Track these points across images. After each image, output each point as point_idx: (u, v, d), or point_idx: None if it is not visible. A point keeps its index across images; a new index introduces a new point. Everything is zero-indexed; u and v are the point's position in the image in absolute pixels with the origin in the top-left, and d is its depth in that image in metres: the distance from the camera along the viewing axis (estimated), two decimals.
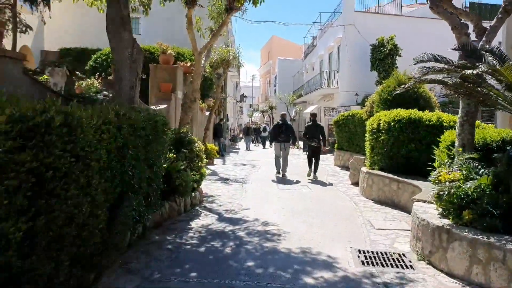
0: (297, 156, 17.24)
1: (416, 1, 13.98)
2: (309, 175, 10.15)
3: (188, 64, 11.12)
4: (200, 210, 6.27)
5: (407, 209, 6.37)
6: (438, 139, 5.78)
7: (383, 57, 18.44)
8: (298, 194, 7.80)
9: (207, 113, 14.51)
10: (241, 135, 33.15)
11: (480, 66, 2.94)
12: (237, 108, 38.32)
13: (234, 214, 6.03)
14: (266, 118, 41.79)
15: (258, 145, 26.14)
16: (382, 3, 21.45)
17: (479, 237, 3.58)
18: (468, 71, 2.94)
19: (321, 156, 16.48)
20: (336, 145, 13.57)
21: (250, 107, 58.69)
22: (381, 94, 9.83)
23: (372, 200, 7.32)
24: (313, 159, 10.15)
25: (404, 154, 7.08)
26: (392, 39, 18.50)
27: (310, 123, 10.52)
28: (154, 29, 16.78)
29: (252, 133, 23.48)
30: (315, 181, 9.84)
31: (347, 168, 12.27)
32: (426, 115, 7.07)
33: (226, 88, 19.32)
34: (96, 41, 13.87)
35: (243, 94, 42.94)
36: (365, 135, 8.73)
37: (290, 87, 35.83)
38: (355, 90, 19.78)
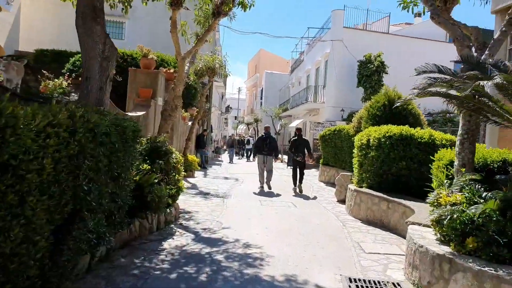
0: (281, 170, 16.84)
1: (404, 22, 13.97)
2: (295, 190, 10.13)
3: (172, 70, 10.64)
4: (175, 228, 5.71)
5: (397, 231, 5.97)
6: (432, 157, 5.44)
7: (370, 73, 18.41)
8: (283, 211, 7.33)
9: (190, 123, 13.98)
10: (224, 147, 32.62)
11: (496, 77, 2.60)
12: (222, 119, 37.84)
13: (212, 234, 5.50)
14: (251, 131, 41.46)
15: (241, 158, 25.64)
16: (370, 20, 21.60)
17: (486, 268, 3.18)
18: (481, 82, 2.60)
19: (306, 171, 16.14)
20: (321, 161, 13.22)
21: (235, 119, 58.42)
22: (369, 109, 9.55)
23: (360, 219, 6.91)
24: (298, 173, 10.19)
25: (395, 172, 6.73)
26: (379, 56, 18.52)
27: (296, 137, 10.57)
28: (138, 34, 16.30)
29: (236, 145, 22.67)
30: (299, 195, 9.41)
31: (332, 184, 11.91)
32: (418, 132, 6.77)
33: (211, 98, 18.87)
34: (75, 44, 13.24)
35: (229, 105, 42.55)
36: (353, 151, 8.40)
37: (276, 101, 35.68)
38: (341, 106, 19.64)
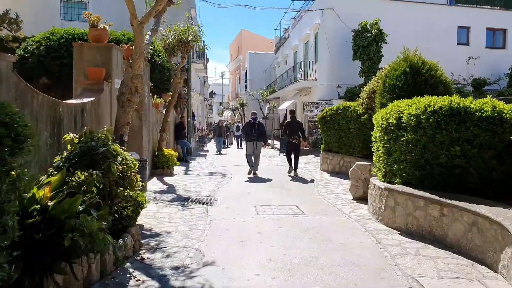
0: (274, 159, 14.84)
1: None
2: (289, 172, 10.18)
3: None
4: (132, 269, 3.69)
5: (461, 249, 4.07)
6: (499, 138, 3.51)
7: (367, 43, 16.40)
8: (288, 223, 5.35)
9: (162, 110, 11.81)
10: (210, 135, 30.43)
11: None
12: (206, 106, 35.50)
13: (188, 278, 3.50)
14: (237, 117, 39.26)
15: (229, 147, 23.51)
16: None
17: None
18: None
19: (302, 158, 14.18)
20: (322, 146, 11.27)
21: (220, 105, 56.03)
22: (385, 80, 7.56)
23: (397, 230, 5.00)
24: (293, 156, 10.13)
25: (444, 162, 4.79)
26: (376, 23, 16.49)
27: (289, 120, 10.43)
28: (105, 14, 13.81)
29: (224, 133, 19.81)
30: (303, 191, 7.49)
31: (338, 174, 10.01)
32: (475, 103, 4.81)
33: (190, 81, 16.63)
34: (30, 28, 10.97)
35: (212, 91, 40.15)
36: (372, 134, 6.47)
37: (262, 83, 33.46)
38: (336, 82, 17.64)
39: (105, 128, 3.79)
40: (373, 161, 6.59)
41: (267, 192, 7.70)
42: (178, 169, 11.16)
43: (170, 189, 8.08)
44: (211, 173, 10.61)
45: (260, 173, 10.30)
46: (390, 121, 5.58)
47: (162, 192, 7.68)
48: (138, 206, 4.35)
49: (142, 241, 4.52)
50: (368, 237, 4.74)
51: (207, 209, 6.20)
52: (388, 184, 5.40)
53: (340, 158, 10.41)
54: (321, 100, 17.47)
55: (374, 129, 6.56)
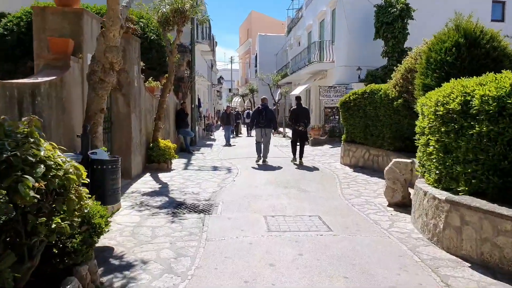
0: (287, 149, 13.35)
1: None
2: (293, 161, 9.74)
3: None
4: None
5: None
6: None
7: (391, 20, 14.59)
8: (311, 248, 3.90)
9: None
10: (218, 123, 29.05)
11: None
12: (214, 92, 33.99)
13: None
14: (247, 103, 37.72)
15: (240, 136, 22.02)
16: None
17: None
18: None
19: (318, 149, 12.69)
20: (343, 136, 9.73)
21: (229, 91, 54.45)
22: (429, 55, 5.97)
23: (466, 260, 3.53)
24: (299, 144, 9.69)
25: None
26: None
27: (295, 106, 9.97)
28: None
29: (233, 121, 17.41)
30: (315, 175, 6.02)
31: (362, 170, 8.52)
32: None
33: (194, 64, 15.13)
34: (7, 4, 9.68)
35: (221, 76, 38.58)
36: (416, 123, 4.99)
37: (273, 67, 31.73)
38: (355, 64, 15.92)
39: (31, 118, 2.38)
40: (418, 159, 5.09)
41: (279, 194, 6.26)
42: (177, 163, 9.79)
43: (163, 189, 6.71)
44: (215, 168, 9.20)
45: (271, 167, 8.87)
46: (451, 106, 4.05)
47: (152, 194, 6.31)
48: (94, 232, 2.96)
49: (104, 279, 3.16)
50: (427, 274, 3.29)
51: (203, 220, 4.80)
52: (449, 195, 3.90)
53: (365, 150, 8.88)
54: (338, 84, 15.82)
55: (420, 118, 5.06)
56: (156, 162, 8.67)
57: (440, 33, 6.03)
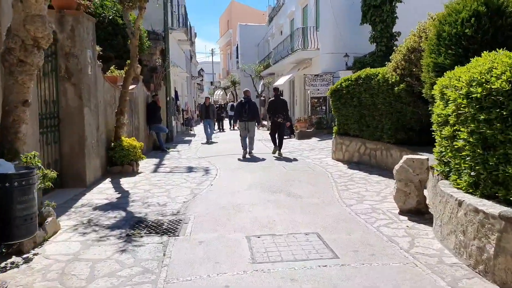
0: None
1: None
2: (274, 153, 9.63)
3: None
4: None
5: None
6: None
7: (379, 3, 13.57)
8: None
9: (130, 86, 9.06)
10: (198, 117, 27.64)
11: None
12: (194, 85, 32.49)
13: None
14: (229, 96, 36.39)
15: (224, 131, 20.68)
16: None
17: None
18: None
19: (305, 143, 11.66)
20: (335, 129, 8.65)
21: (211, 84, 52.89)
22: (441, 29, 4.92)
23: None
24: (278, 135, 9.63)
25: None
26: None
27: (273, 98, 9.95)
28: None
29: (214, 114, 14.72)
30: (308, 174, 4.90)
31: (358, 166, 7.47)
32: None
33: (168, 52, 13.75)
34: None
35: (201, 68, 37.07)
36: (436, 112, 3.95)
37: (255, 58, 30.44)
38: (342, 51, 14.85)
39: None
40: (436, 155, 4.03)
41: (266, 202, 5.11)
42: (146, 164, 8.53)
43: (122, 200, 5.46)
44: (190, 169, 7.98)
45: (255, 166, 7.75)
46: (496, 86, 2.96)
47: (106, 207, 5.06)
48: None
49: None
50: None
51: (166, 246, 3.61)
52: (505, 209, 2.82)
53: (360, 144, 7.83)
54: (325, 73, 14.73)
55: (438, 103, 4.00)
56: (119, 164, 7.40)
57: (452, 3, 4.97)
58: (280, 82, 20.23)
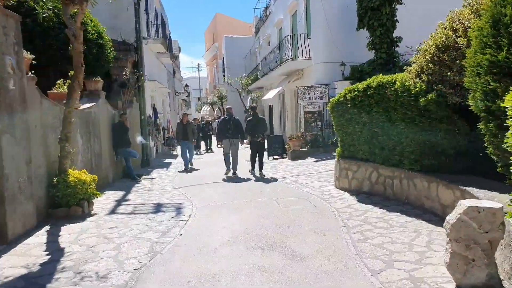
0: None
1: None
2: (252, 173, 9.29)
3: None
4: None
5: None
6: None
7: (377, 4, 12.26)
8: None
9: (82, 106, 7.40)
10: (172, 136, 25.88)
11: None
12: (178, 101, 30.87)
13: None
14: (217, 112, 34.86)
15: (209, 151, 18.91)
16: None
17: None
18: None
19: (300, 164, 10.15)
20: (338, 150, 7.08)
21: (198, 100, 51.37)
22: (499, 13, 3.48)
23: None
24: (258, 155, 9.26)
25: None
26: None
27: (251, 117, 9.62)
28: None
29: (193, 134, 11.70)
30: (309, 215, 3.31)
31: (370, 198, 5.86)
32: None
33: (142, 65, 12.16)
34: None
35: (186, 84, 35.50)
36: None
37: (242, 71, 29.08)
38: (337, 60, 13.48)
39: None
40: None
41: (254, 273, 3.47)
42: (107, 199, 6.84)
43: (46, 269, 3.76)
44: (159, 207, 6.29)
45: (241, 199, 6.13)
46: None
47: (15, 285, 3.37)
48: None
49: None
50: None
51: None
52: None
53: (372, 170, 6.26)
54: (319, 84, 13.29)
55: None
56: (64, 205, 5.68)
57: None
58: (270, 96, 18.80)
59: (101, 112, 8.45)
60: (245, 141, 10.12)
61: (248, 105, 23.61)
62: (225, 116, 9.63)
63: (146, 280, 3.41)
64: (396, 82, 5.38)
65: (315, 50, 14.36)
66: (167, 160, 14.23)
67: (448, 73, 4.52)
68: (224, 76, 33.27)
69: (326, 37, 13.93)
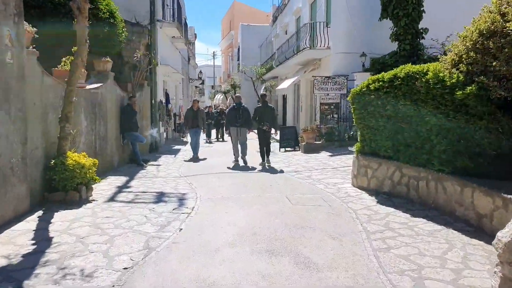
0: (273, 158, 10.03)
1: None
2: (262, 165, 8.92)
3: None
4: None
5: None
6: None
7: None
8: None
9: (88, 86, 7.00)
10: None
11: None
12: (192, 88, 30.45)
13: None
14: (229, 100, 34.38)
15: (220, 140, 18.39)
16: None
17: None
18: None
19: (315, 160, 9.64)
20: (357, 146, 6.53)
21: (212, 88, 50.97)
22: None
23: None
24: (265, 144, 9.11)
25: None
26: None
27: (260, 104, 9.57)
28: None
29: (203, 122, 10.99)
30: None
31: (391, 200, 5.32)
32: None
33: (154, 48, 11.74)
34: None
35: (200, 71, 35.09)
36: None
37: (257, 60, 28.43)
38: (357, 51, 12.80)
39: None
40: None
41: (261, 279, 3.02)
42: (109, 185, 6.49)
43: (28, 261, 3.37)
44: (161, 197, 5.89)
45: (250, 192, 5.68)
46: None
47: None
48: None
49: None
50: None
51: None
52: None
53: (394, 168, 5.71)
54: (337, 75, 12.65)
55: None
56: (62, 190, 5.32)
57: None
58: (284, 85, 18.21)
59: (109, 93, 8.05)
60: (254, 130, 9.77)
61: (261, 94, 23.09)
62: (234, 104, 9.58)
63: (135, 283, 2.98)
64: (428, 73, 4.78)
65: (334, 39, 13.67)
66: (177, 147, 13.87)
67: (493, 63, 3.93)
68: (238, 64, 32.67)
69: (347, 26, 13.23)
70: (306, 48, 14.52)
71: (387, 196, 5.71)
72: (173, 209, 5.13)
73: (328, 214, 4.91)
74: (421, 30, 11.87)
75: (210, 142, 16.77)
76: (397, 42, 12.13)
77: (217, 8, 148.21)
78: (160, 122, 14.24)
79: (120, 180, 7.12)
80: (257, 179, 7.34)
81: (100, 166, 7.25)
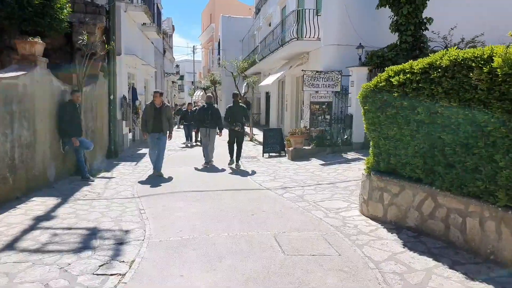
0: (256, 165, 8.27)
1: None
2: (230, 164, 8.81)
3: None
4: None
5: None
6: None
7: None
8: None
9: (13, 73, 5.06)
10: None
11: None
12: (167, 83, 28.31)
13: None
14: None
15: (194, 145, 15.87)
16: None
17: None
18: None
19: (306, 170, 7.98)
20: (369, 159, 4.84)
21: (192, 84, 48.84)
22: None
23: None
24: (236, 145, 8.84)
25: None
26: None
27: (232, 104, 9.07)
28: None
29: (169, 124, 7.84)
30: None
31: (418, 240, 3.58)
32: None
33: (114, 33, 9.77)
34: None
35: (177, 65, 32.94)
36: None
37: (238, 54, 26.58)
38: (352, 43, 11.17)
39: None
40: None
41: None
42: (18, 218, 4.58)
43: None
44: (91, 238, 4.02)
45: (221, 228, 3.91)
46: None
47: None
48: None
49: None
50: None
51: None
52: None
53: (425, 195, 4.05)
54: (330, 70, 10.97)
55: None
56: None
57: None
58: (268, 81, 16.46)
59: (39, 86, 6.07)
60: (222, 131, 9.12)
61: (243, 91, 21.28)
62: (204, 104, 9.27)
63: None
64: (494, 59, 3.12)
65: (325, 29, 12.01)
66: (143, 151, 11.89)
67: None
68: (219, 59, 30.72)
69: (341, 15, 11.59)
70: (293, 39, 12.79)
71: (414, 234, 4.06)
72: (101, 265, 3.30)
73: (338, 272, 3.20)
74: (424, 20, 10.37)
75: (187, 146, 14.63)
76: (397, 33, 10.59)
77: (199, 3, 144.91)
78: (124, 122, 12.28)
79: (46, 204, 5.20)
80: (233, 203, 5.55)
81: (23, 184, 5.36)
